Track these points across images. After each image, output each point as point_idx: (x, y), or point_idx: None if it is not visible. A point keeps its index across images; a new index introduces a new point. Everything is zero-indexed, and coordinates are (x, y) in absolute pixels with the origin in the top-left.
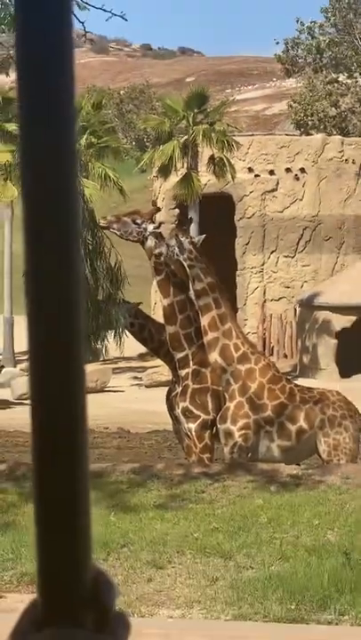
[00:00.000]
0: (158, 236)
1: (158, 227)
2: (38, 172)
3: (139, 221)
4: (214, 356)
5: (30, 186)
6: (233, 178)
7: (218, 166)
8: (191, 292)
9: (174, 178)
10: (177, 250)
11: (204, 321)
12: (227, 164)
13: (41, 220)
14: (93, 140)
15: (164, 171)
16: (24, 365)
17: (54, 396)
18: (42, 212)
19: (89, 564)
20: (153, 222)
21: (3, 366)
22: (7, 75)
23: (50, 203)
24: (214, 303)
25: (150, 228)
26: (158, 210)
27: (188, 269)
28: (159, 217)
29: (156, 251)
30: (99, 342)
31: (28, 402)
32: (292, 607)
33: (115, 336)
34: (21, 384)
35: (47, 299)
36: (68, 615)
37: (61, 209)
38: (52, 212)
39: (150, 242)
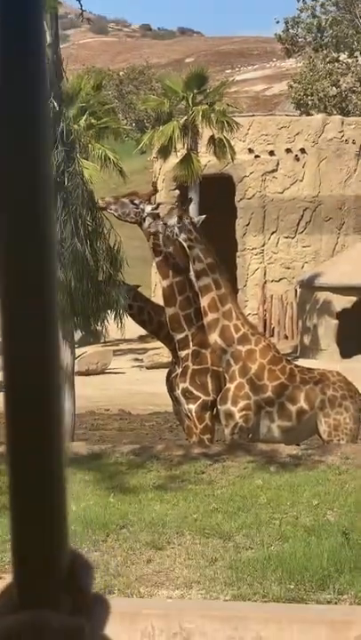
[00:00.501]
0: (156, 217)
1: (156, 208)
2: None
3: (137, 202)
4: (214, 337)
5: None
6: (233, 158)
7: (218, 147)
8: (191, 273)
9: (174, 159)
10: (176, 230)
11: (204, 302)
12: (226, 144)
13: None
14: (93, 121)
15: (164, 152)
16: None
17: (26, 378)
18: (17, 219)
19: (65, 546)
20: (151, 203)
21: None
22: None
23: (24, 209)
24: (214, 284)
25: (148, 209)
26: (156, 191)
27: (187, 250)
28: (159, 198)
29: (152, 229)
30: (99, 324)
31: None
32: (292, 587)
33: (115, 317)
34: None
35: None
36: (44, 597)
37: (37, 211)
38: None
39: (148, 223)
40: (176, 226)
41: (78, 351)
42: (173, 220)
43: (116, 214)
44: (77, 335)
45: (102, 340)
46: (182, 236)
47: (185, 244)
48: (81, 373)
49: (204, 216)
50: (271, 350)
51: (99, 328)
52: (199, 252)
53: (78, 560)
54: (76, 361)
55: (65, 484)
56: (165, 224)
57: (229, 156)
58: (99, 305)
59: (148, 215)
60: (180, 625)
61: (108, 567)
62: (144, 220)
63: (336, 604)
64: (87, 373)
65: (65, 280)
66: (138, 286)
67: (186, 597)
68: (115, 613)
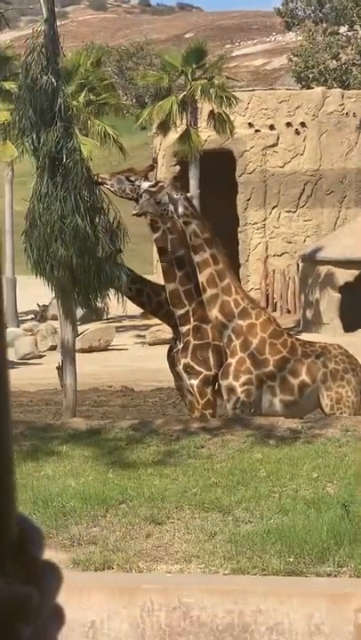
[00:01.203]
0: (152, 194)
1: (153, 185)
2: None
3: (133, 179)
4: (214, 313)
5: None
6: (232, 133)
7: (217, 122)
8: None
9: (174, 134)
10: (171, 207)
11: (202, 278)
12: (226, 119)
13: None
14: (92, 97)
15: (163, 127)
16: (27, 325)
17: None
18: None
19: (12, 511)
20: (148, 180)
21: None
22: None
23: None
24: (212, 259)
25: (145, 185)
26: (153, 168)
27: (183, 226)
28: (160, 174)
29: (143, 209)
30: (100, 300)
31: (32, 362)
32: (291, 560)
33: (115, 294)
34: (25, 344)
35: None
36: None
37: None
38: None
39: (140, 202)
40: (170, 203)
41: (81, 328)
42: (166, 198)
43: (112, 189)
44: (79, 312)
45: (105, 317)
46: (178, 212)
47: (180, 221)
48: (84, 350)
49: (198, 191)
50: (272, 324)
51: (100, 305)
52: (195, 227)
53: (27, 525)
54: (78, 338)
55: (8, 450)
56: (158, 202)
57: (229, 131)
58: (100, 281)
59: (145, 192)
60: (180, 599)
61: (108, 542)
62: (140, 196)
63: (336, 576)
64: (90, 350)
65: (66, 256)
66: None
67: (185, 572)
68: (114, 588)
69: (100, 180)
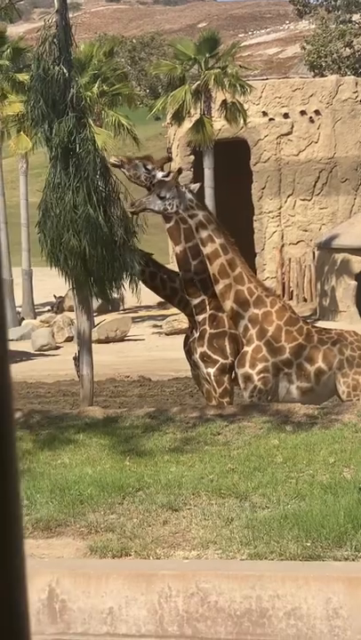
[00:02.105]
0: (158, 189)
1: (167, 175)
2: None
3: (149, 167)
4: (229, 304)
5: None
6: (245, 122)
7: (230, 111)
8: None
9: (188, 124)
10: (176, 201)
11: (214, 269)
12: (239, 107)
13: None
14: (105, 88)
15: (177, 117)
16: (44, 317)
17: None
18: None
19: None
20: (163, 170)
21: (23, 318)
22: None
23: None
24: (221, 249)
25: (159, 175)
26: (170, 159)
27: (189, 219)
28: (174, 164)
29: (152, 207)
30: (115, 291)
31: (48, 353)
32: (308, 545)
33: (130, 283)
34: (41, 335)
35: None
36: None
37: None
38: None
39: (146, 197)
40: (176, 196)
41: (97, 319)
42: (171, 192)
43: (127, 174)
44: (96, 303)
45: (121, 308)
46: (183, 205)
47: (186, 214)
48: (100, 341)
49: (198, 184)
50: (287, 311)
51: (115, 295)
52: (202, 218)
53: None
54: (95, 329)
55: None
56: (162, 197)
57: (241, 121)
58: (114, 271)
59: (158, 182)
60: (197, 585)
61: (125, 529)
62: (154, 185)
63: (354, 560)
64: (107, 341)
65: (78, 247)
66: (151, 254)
67: (202, 558)
68: (132, 575)
69: (116, 162)
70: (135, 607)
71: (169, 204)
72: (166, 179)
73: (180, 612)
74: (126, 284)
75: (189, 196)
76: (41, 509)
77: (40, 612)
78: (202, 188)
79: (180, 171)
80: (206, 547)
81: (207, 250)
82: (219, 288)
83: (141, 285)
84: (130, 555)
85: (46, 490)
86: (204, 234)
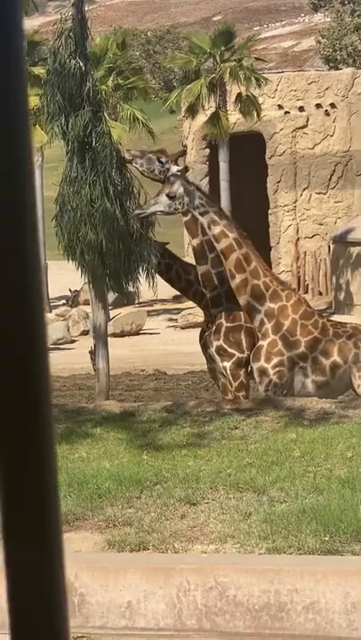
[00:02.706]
0: (179, 178)
1: (182, 170)
2: None
3: (163, 160)
4: (246, 298)
5: None
6: (258, 115)
7: (244, 104)
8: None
9: (203, 117)
10: (186, 199)
11: (229, 264)
12: (254, 100)
13: None
14: (120, 81)
15: (192, 110)
16: (59, 311)
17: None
18: None
19: None
20: (177, 165)
21: None
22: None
23: None
24: (235, 244)
25: (174, 169)
26: (184, 153)
27: (200, 217)
28: (189, 157)
29: (161, 209)
30: (131, 284)
31: (64, 346)
32: (327, 539)
33: (147, 277)
34: (57, 329)
35: None
36: None
37: None
38: None
39: (153, 201)
40: (185, 195)
41: (113, 312)
42: (180, 190)
43: (140, 169)
44: (111, 297)
45: (136, 301)
46: (193, 204)
47: (197, 212)
48: (115, 335)
49: (207, 181)
50: (303, 305)
51: (131, 289)
52: (213, 214)
53: None
54: (110, 322)
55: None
56: (172, 196)
57: (256, 114)
58: (130, 265)
59: (173, 176)
60: (216, 579)
61: (143, 523)
62: (168, 179)
63: None
64: (122, 334)
65: (96, 240)
66: (166, 244)
67: (221, 552)
68: (150, 569)
69: (130, 157)
70: (153, 601)
71: (179, 203)
72: (180, 173)
73: (199, 606)
74: (143, 277)
75: (198, 193)
76: None
77: None
78: (217, 182)
79: (186, 169)
80: (224, 541)
81: (221, 245)
82: (235, 283)
83: (157, 279)
84: (148, 549)
85: (64, 484)
86: (216, 230)
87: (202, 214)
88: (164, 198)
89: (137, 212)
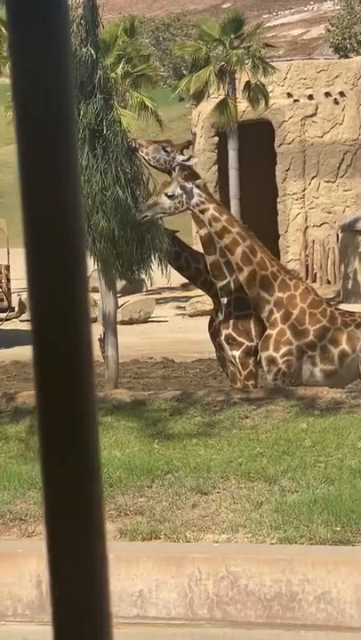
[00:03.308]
0: (186, 168)
1: (188, 159)
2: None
3: (168, 149)
4: (256, 290)
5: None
6: (266, 103)
7: (252, 92)
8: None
9: (211, 105)
10: (185, 197)
11: (236, 258)
12: (262, 88)
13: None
14: (129, 69)
15: (199, 97)
16: None
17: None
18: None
19: None
20: (183, 154)
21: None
22: None
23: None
24: (239, 237)
25: (179, 158)
26: (190, 143)
27: (200, 215)
28: (198, 145)
29: (163, 210)
30: (143, 272)
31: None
32: (338, 529)
33: (159, 264)
34: None
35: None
36: None
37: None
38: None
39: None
40: (183, 193)
41: (121, 300)
42: (178, 189)
43: (146, 157)
44: (119, 284)
45: (145, 289)
46: (192, 201)
47: (196, 210)
48: (124, 322)
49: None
50: (310, 294)
51: (143, 277)
52: (213, 211)
53: None
54: (118, 310)
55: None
56: (171, 195)
57: (264, 102)
58: (143, 253)
59: (179, 165)
60: (227, 569)
61: (154, 512)
62: (174, 169)
63: None
64: (130, 322)
65: (108, 228)
66: (176, 232)
67: (232, 541)
68: (162, 558)
69: (137, 145)
70: (165, 590)
71: (178, 202)
72: (187, 162)
73: (210, 596)
74: (154, 264)
75: (197, 190)
76: None
77: None
78: (226, 170)
79: (183, 167)
80: (236, 530)
81: (225, 241)
82: (244, 275)
83: (169, 267)
84: (159, 538)
85: None
86: (218, 226)
87: (202, 212)
88: (163, 199)
89: (140, 216)
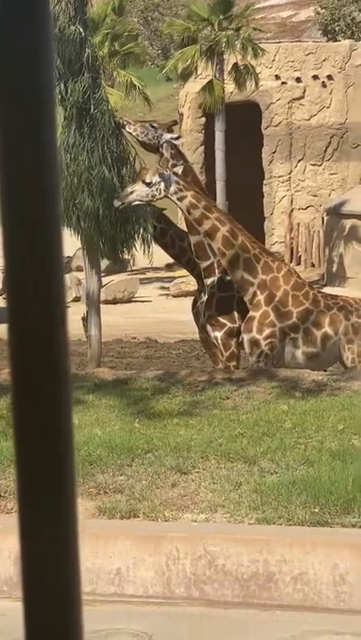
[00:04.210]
0: (173, 147)
1: (176, 138)
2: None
3: (156, 126)
4: (240, 273)
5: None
6: (256, 85)
7: (240, 74)
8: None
9: (198, 86)
10: (163, 185)
11: (217, 243)
12: (251, 70)
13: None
14: (117, 47)
15: (187, 76)
16: None
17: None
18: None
19: None
20: (170, 133)
21: None
22: None
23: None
24: (218, 222)
25: (167, 136)
26: (176, 123)
27: (178, 202)
28: (185, 125)
29: (140, 197)
30: (127, 252)
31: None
32: (316, 511)
33: (142, 244)
34: None
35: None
36: None
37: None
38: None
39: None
40: (161, 181)
41: (105, 280)
42: (156, 177)
43: (134, 133)
44: (103, 264)
45: (129, 269)
46: (170, 190)
47: (174, 198)
48: (108, 302)
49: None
50: (293, 276)
51: (127, 257)
52: (191, 199)
53: None
54: (102, 289)
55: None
56: (148, 183)
57: (253, 84)
58: (127, 232)
59: (166, 143)
60: (205, 548)
61: (134, 491)
62: (161, 146)
63: None
64: (114, 302)
65: (93, 207)
66: (163, 209)
67: (211, 521)
68: (140, 536)
69: (124, 122)
70: (143, 568)
71: (156, 189)
72: (175, 141)
73: (188, 575)
74: (138, 244)
75: (175, 177)
76: None
77: None
78: (212, 151)
79: (171, 145)
80: (215, 510)
81: (205, 227)
82: (227, 259)
83: (153, 247)
84: (138, 516)
85: None
86: (197, 213)
87: (180, 199)
88: (140, 186)
89: (116, 203)
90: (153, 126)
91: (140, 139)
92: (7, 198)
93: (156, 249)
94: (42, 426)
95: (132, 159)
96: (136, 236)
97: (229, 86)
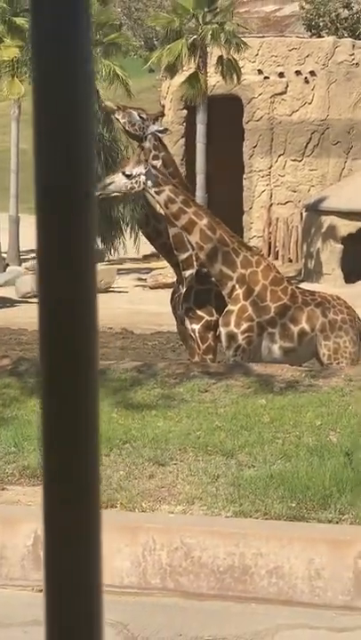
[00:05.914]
0: (158, 140)
1: (163, 131)
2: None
3: (144, 116)
4: (218, 267)
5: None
6: (239, 79)
7: (225, 67)
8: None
9: (182, 78)
10: (142, 178)
11: (195, 237)
12: (235, 64)
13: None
14: (101, 37)
15: (171, 70)
16: (29, 264)
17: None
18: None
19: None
20: (156, 124)
21: (8, 264)
22: None
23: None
24: (196, 217)
25: (153, 127)
26: (163, 114)
27: (155, 196)
28: (167, 118)
29: (121, 189)
30: (109, 243)
31: (32, 300)
32: (293, 505)
33: (130, 234)
34: (26, 282)
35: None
36: None
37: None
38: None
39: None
40: (142, 174)
41: None
42: (135, 170)
43: (122, 120)
44: None
45: (106, 259)
46: (149, 184)
47: (152, 192)
48: None
49: (158, 162)
50: (272, 271)
51: (112, 246)
52: (169, 193)
53: None
54: None
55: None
56: (128, 175)
57: (236, 78)
58: (111, 221)
59: (151, 134)
60: (182, 540)
61: (111, 481)
62: (146, 137)
63: (337, 523)
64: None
65: None
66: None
67: (188, 513)
68: (117, 527)
69: (112, 108)
70: (119, 558)
71: (135, 182)
72: (161, 134)
73: (164, 566)
74: (127, 233)
75: (154, 171)
76: (28, 457)
77: (25, 558)
78: (193, 144)
79: (155, 137)
80: (192, 502)
81: (182, 222)
82: (205, 253)
83: (139, 237)
84: (115, 506)
85: (34, 437)
86: (174, 207)
87: (157, 193)
88: (120, 177)
89: (98, 192)
90: (141, 117)
91: (126, 127)
92: (39, 170)
93: (134, 241)
94: (71, 409)
95: (123, 148)
96: (123, 225)
97: (212, 79)
